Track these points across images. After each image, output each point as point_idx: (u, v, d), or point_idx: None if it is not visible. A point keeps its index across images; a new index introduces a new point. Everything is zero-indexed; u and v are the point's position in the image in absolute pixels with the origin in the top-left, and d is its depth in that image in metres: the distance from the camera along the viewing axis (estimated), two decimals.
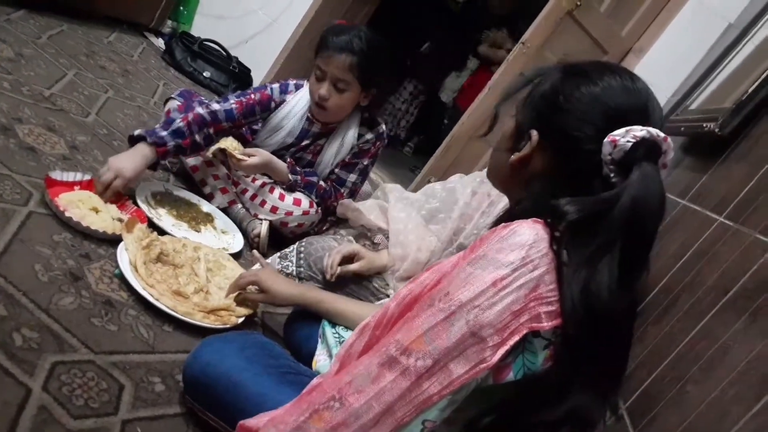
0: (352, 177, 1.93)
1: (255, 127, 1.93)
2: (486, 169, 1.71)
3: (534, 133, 0.83)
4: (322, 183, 1.88)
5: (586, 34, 2.80)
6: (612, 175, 0.75)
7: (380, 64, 1.80)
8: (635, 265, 0.72)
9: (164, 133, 1.59)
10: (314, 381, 0.85)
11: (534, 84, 0.86)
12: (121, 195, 1.50)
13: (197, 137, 1.67)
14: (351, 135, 1.90)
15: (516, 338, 0.69)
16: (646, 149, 0.73)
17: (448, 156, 2.83)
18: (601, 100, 0.77)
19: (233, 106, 1.77)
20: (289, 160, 1.86)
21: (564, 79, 0.82)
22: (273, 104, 1.88)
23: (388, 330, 0.75)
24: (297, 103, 1.88)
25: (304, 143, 1.91)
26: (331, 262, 1.47)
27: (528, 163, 0.84)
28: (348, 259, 1.51)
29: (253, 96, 1.83)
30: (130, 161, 1.50)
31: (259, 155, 1.73)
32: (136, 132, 1.58)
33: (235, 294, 1.31)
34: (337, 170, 1.93)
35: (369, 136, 1.92)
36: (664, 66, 2.78)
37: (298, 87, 1.92)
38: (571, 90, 0.80)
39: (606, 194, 0.73)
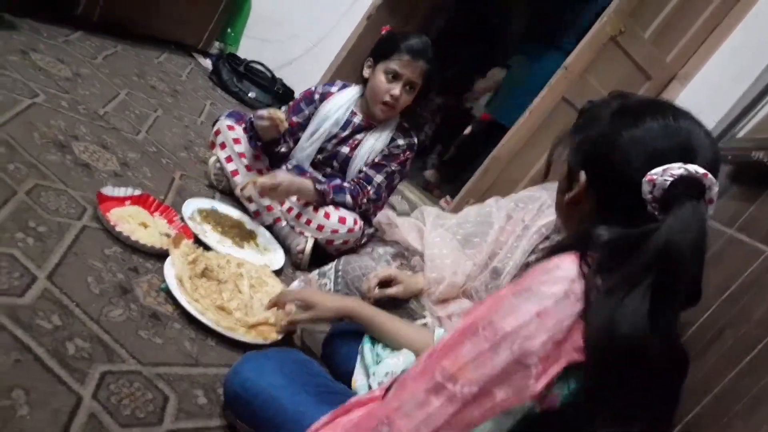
0: (379, 177, 1.97)
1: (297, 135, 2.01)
2: (522, 192, 1.73)
3: (582, 175, 0.85)
4: (346, 184, 1.93)
5: (630, 60, 2.79)
6: (656, 213, 0.75)
7: (437, 75, 1.94)
8: (668, 305, 0.71)
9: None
10: (352, 400, 0.87)
11: (585, 126, 0.88)
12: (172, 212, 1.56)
13: None
14: (386, 136, 1.99)
15: (557, 368, 0.69)
16: (685, 186, 0.73)
17: (486, 178, 2.83)
18: (641, 143, 0.78)
19: (283, 109, 1.98)
20: (309, 174, 1.93)
21: (610, 122, 0.84)
22: (317, 96, 2.02)
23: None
24: (344, 96, 2.00)
25: (345, 134, 1.99)
26: (369, 286, 1.49)
27: (579, 203, 0.86)
28: (385, 282, 1.53)
29: (298, 98, 2.05)
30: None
31: (279, 175, 1.78)
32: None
33: (275, 310, 1.34)
34: (365, 168, 1.98)
35: (401, 141, 2.00)
36: (709, 93, 2.74)
37: (345, 86, 2.05)
38: (614, 135, 0.81)
39: (640, 229, 0.73)
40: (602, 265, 0.72)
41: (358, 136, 1.99)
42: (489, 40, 4.44)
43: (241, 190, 1.79)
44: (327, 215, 1.86)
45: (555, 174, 0.98)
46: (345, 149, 1.99)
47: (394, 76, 1.87)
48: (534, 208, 1.58)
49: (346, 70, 3.14)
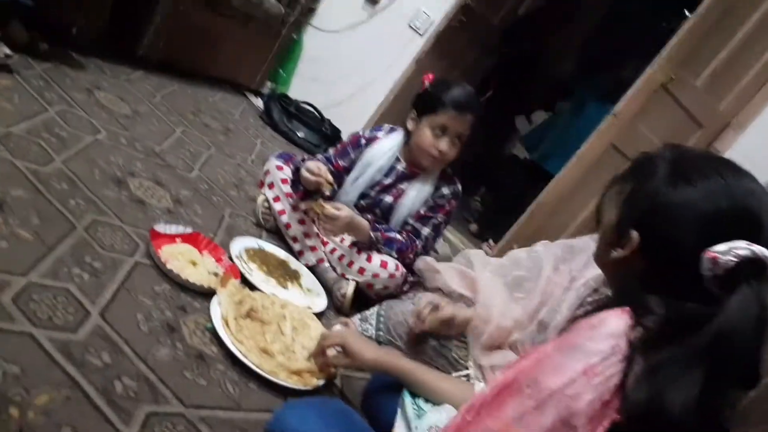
0: (426, 230, 1.96)
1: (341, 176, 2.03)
2: (571, 240, 1.69)
3: (634, 235, 0.80)
4: (399, 237, 1.91)
5: (681, 108, 2.75)
6: (714, 289, 0.71)
7: (479, 121, 1.93)
8: (720, 390, 0.68)
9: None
10: None
11: (638, 177, 0.84)
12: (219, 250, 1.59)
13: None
14: (430, 185, 1.97)
15: (602, 427, 0.67)
16: (751, 270, 0.69)
17: (531, 224, 2.80)
18: (698, 207, 0.74)
19: (330, 152, 2.04)
20: (370, 217, 1.93)
21: (666, 178, 0.79)
22: (363, 141, 2.02)
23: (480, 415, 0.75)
24: (388, 142, 1.99)
25: (388, 182, 1.98)
26: (419, 310, 1.48)
27: (628, 262, 0.82)
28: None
29: (345, 141, 2.05)
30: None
31: (345, 209, 1.81)
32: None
33: (316, 357, 1.33)
34: (411, 221, 1.97)
35: (445, 191, 1.98)
36: (765, 142, 2.67)
37: (392, 130, 2.04)
38: (670, 193, 0.77)
39: (698, 311, 0.70)
40: (652, 338, 0.69)
41: (402, 186, 1.98)
42: (533, 83, 4.44)
43: (304, 205, 1.85)
44: (369, 258, 1.86)
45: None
46: (388, 198, 1.98)
47: (442, 130, 1.86)
48: (582, 260, 1.54)
49: (394, 113, 3.19)
